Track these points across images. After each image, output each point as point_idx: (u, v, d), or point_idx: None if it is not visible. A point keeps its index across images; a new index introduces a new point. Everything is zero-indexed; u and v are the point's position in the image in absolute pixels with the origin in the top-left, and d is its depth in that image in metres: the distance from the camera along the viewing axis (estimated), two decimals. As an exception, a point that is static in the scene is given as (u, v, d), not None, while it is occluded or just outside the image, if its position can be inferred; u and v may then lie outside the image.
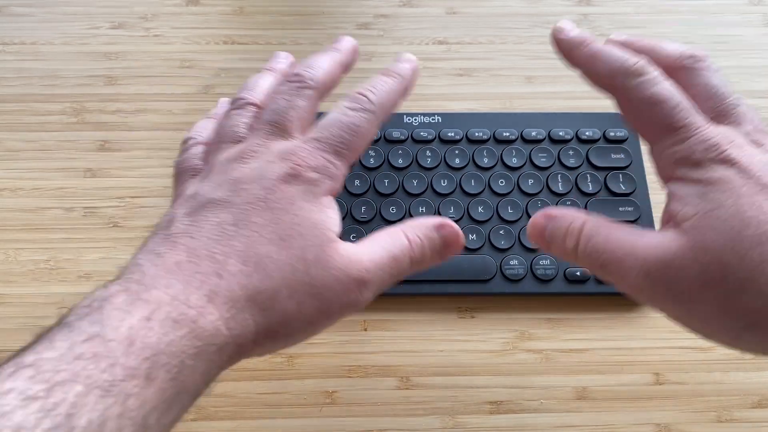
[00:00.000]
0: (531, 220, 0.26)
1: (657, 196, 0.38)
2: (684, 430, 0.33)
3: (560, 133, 0.39)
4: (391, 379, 0.34)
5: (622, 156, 0.38)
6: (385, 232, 0.26)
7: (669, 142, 0.24)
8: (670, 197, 0.24)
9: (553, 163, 0.38)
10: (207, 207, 0.24)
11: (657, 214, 0.38)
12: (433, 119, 0.39)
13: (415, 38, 0.44)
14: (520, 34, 0.44)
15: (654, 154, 0.25)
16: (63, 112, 0.41)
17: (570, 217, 0.25)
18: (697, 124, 0.24)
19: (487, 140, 0.39)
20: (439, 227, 0.26)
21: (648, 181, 0.38)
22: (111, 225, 0.38)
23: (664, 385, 0.34)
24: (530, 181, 0.38)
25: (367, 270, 0.24)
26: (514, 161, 0.38)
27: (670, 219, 0.23)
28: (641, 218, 0.37)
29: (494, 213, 0.37)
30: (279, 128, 0.26)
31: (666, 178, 0.24)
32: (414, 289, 0.35)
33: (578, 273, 0.35)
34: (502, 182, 0.38)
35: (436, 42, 0.44)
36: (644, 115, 0.25)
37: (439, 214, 0.37)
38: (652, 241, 0.23)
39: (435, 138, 0.39)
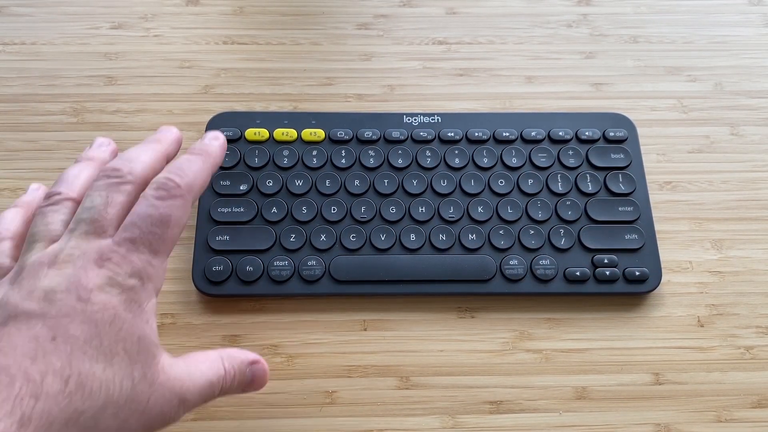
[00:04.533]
0: None
1: (656, 196, 0.39)
2: (683, 430, 0.33)
3: (560, 133, 0.39)
4: (391, 379, 0.34)
5: (622, 156, 0.38)
6: (204, 355, 0.26)
7: None
8: None
9: (553, 163, 0.38)
10: (19, 319, 0.22)
11: (656, 214, 0.38)
12: (432, 119, 0.39)
13: (415, 38, 0.44)
14: (520, 34, 0.44)
15: None
16: (63, 112, 0.41)
17: None
18: None
19: (487, 140, 0.39)
20: (253, 363, 0.28)
21: (647, 181, 0.38)
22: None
23: (663, 385, 0.34)
24: (530, 181, 0.38)
25: (188, 390, 0.25)
26: (513, 161, 0.38)
27: None
28: (641, 218, 0.37)
29: (494, 213, 0.37)
30: (95, 227, 0.24)
31: None
32: (414, 288, 0.35)
33: (578, 273, 0.35)
34: (501, 182, 0.38)
35: (436, 42, 0.44)
36: None
37: (439, 214, 0.37)
38: None
39: (435, 138, 0.39)
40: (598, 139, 0.39)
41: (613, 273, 0.35)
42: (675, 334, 0.35)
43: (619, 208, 0.37)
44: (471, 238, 0.36)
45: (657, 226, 0.37)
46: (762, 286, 0.36)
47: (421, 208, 0.37)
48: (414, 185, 0.37)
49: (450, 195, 0.37)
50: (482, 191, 0.37)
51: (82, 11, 0.44)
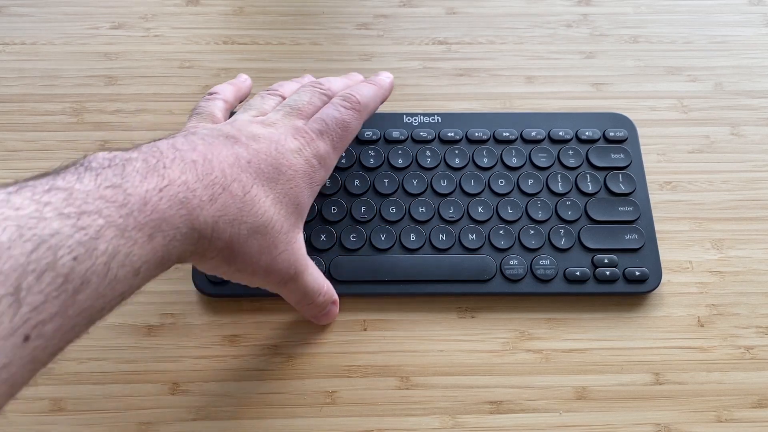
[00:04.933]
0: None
1: (657, 196, 0.39)
2: (684, 430, 0.33)
3: (560, 133, 0.39)
4: (391, 379, 0.34)
5: (622, 156, 0.38)
6: (319, 272, 0.32)
7: None
8: None
9: (553, 163, 0.38)
10: (228, 138, 0.27)
11: (656, 214, 0.38)
12: (432, 119, 0.39)
13: (415, 38, 0.44)
14: (520, 34, 0.44)
15: None
16: (63, 112, 0.41)
17: None
18: None
19: (487, 140, 0.39)
20: (334, 302, 0.34)
21: (647, 181, 0.38)
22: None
23: (663, 385, 0.34)
24: (530, 181, 0.38)
25: (303, 274, 0.30)
26: (513, 161, 0.38)
27: None
28: (641, 218, 0.37)
29: (494, 213, 0.37)
30: (297, 112, 0.31)
31: None
32: (414, 288, 0.35)
33: (578, 273, 0.35)
34: (501, 182, 0.38)
35: (436, 42, 0.44)
36: None
37: (439, 214, 0.37)
38: None
39: (435, 138, 0.39)
40: (598, 139, 0.39)
41: (613, 273, 0.35)
42: (675, 334, 0.35)
43: (619, 208, 0.37)
44: (471, 238, 0.36)
45: (657, 226, 0.37)
46: (762, 286, 0.36)
47: (421, 208, 0.37)
48: (414, 185, 0.37)
49: (450, 195, 0.37)
50: (482, 191, 0.37)
51: (82, 11, 0.44)
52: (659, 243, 0.37)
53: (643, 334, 0.35)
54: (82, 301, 0.19)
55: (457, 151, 0.38)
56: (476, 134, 0.39)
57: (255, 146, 0.28)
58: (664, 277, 0.36)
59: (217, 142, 0.27)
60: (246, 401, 0.33)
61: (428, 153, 0.38)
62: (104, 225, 0.20)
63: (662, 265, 0.36)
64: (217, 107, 0.32)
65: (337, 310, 0.34)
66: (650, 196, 0.38)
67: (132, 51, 0.43)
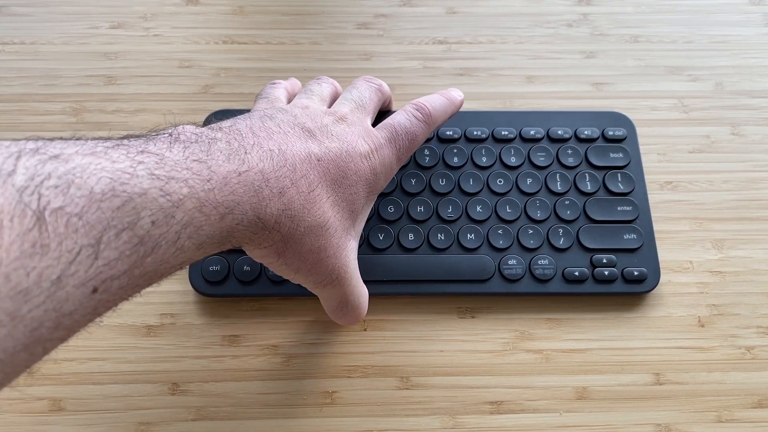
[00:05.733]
0: None
1: (657, 195, 0.38)
2: (684, 430, 0.33)
3: (559, 132, 0.39)
4: (391, 379, 0.34)
5: (621, 155, 0.38)
6: (362, 286, 0.32)
7: None
8: None
9: (552, 162, 0.38)
10: (304, 131, 0.28)
11: (655, 213, 0.38)
12: (432, 119, 0.39)
13: (415, 38, 0.44)
14: (521, 33, 0.44)
15: None
16: (63, 112, 0.41)
17: None
18: None
19: (486, 139, 0.39)
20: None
21: (646, 180, 0.38)
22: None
23: (664, 385, 0.34)
24: (529, 181, 0.38)
25: (347, 286, 0.29)
26: (512, 160, 0.38)
27: None
28: (639, 218, 0.37)
29: (493, 212, 0.37)
30: (362, 108, 0.31)
31: None
32: (412, 288, 0.35)
33: (576, 273, 0.35)
34: (500, 181, 0.38)
35: (436, 42, 0.44)
36: None
37: (438, 213, 0.37)
38: None
39: (433, 137, 0.39)
40: (597, 138, 0.39)
41: (612, 273, 0.35)
42: (675, 334, 0.35)
43: (618, 208, 0.37)
44: (469, 238, 0.36)
45: (658, 226, 0.37)
46: (763, 286, 0.36)
47: (420, 207, 0.37)
48: (412, 184, 0.37)
49: (448, 194, 0.37)
50: (481, 190, 0.37)
51: (82, 11, 0.44)
52: (660, 243, 0.37)
53: (644, 334, 0.35)
54: (148, 264, 0.20)
55: (455, 150, 0.38)
56: (475, 133, 0.39)
57: (328, 144, 0.28)
58: (665, 277, 0.36)
59: (292, 133, 0.27)
60: (246, 401, 0.33)
61: (426, 152, 0.38)
62: (187, 195, 0.21)
63: (663, 265, 0.36)
64: (282, 94, 0.33)
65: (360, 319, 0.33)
66: (651, 196, 0.38)
67: (131, 51, 0.43)
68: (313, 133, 0.28)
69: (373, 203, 0.30)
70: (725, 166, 0.40)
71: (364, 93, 0.32)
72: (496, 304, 0.36)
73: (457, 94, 0.35)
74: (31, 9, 0.44)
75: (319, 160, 0.27)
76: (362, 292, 0.31)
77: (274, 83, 0.34)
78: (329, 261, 0.28)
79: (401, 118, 0.31)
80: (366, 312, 0.32)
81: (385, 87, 0.34)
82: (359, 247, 0.36)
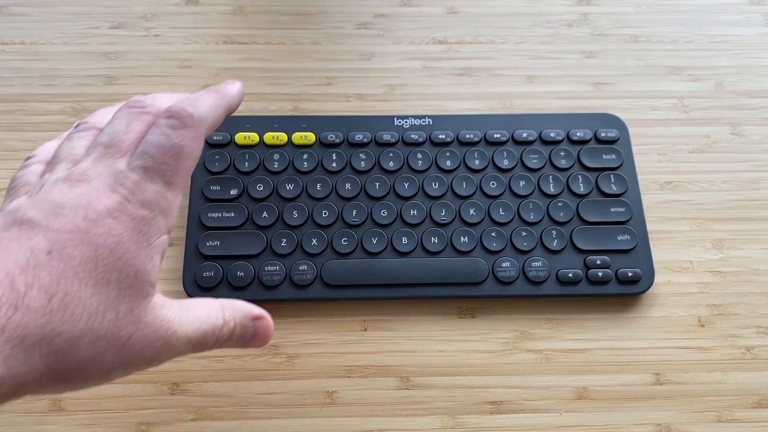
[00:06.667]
0: None
1: (649, 196, 0.39)
2: (684, 430, 0.33)
3: (551, 134, 0.39)
4: (391, 379, 0.34)
5: (614, 156, 0.38)
6: (204, 303, 0.25)
7: None
8: None
9: (545, 165, 0.38)
10: (22, 227, 0.22)
11: (655, 213, 0.38)
12: (424, 121, 0.39)
13: (415, 38, 0.44)
14: (521, 33, 0.44)
15: None
16: (63, 112, 0.41)
17: None
18: None
19: (478, 142, 0.39)
20: (257, 318, 0.26)
21: (639, 181, 0.38)
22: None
23: (664, 385, 0.34)
24: (522, 183, 0.37)
25: (175, 334, 0.24)
26: (505, 163, 0.38)
27: None
28: (633, 218, 0.37)
29: (486, 215, 0.37)
30: (112, 150, 0.24)
31: None
32: (406, 292, 0.35)
33: (570, 274, 0.35)
34: (493, 184, 0.37)
35: (436, 42, 0.44)
36: None
37: (431, 217, 0.36)
38: None
39: (426, 140, 0.39)
40: (590, 140, 0.39)
41: (606, 274, 0.35)
42: (676, 334, 0.35)
43: (611, 209, 0.37)
44: (463, 241, 0.36)
45: (658, 226, 0.37)
46: (763, 286, 0.36)
47: (413, 210, 0.37)
48: (405, 188, 0.37)
49: (442, 197, 0.37)
50: (474, 193, 0.37)
51: (82, 11, 0.44)
52: (660, 243, 0.37)
53: (643, 334, 0.35)
54: None
55: (448, 153, 0.38)
56: (467, 136, 0.39)
57: (56, 225, 0.22)
58: (666, 277, 0.36)
59: (5, 238, 0.21)
60: (246, 401, 0.33)
61: (419, 155, 0.38)
62: None
63: (663, 265, 0.36)
64: (32, 174, 0.26)
65: (269, 323, 0.27)
66: (651, 196, 0.38)
67: (132, 50, 0.43)
68: (33, 223, 0.22)
69: (167, 243, 0.25)
70: (725, 166, 0.40)
71: (117, 127, 0.25)
72: (495, 304, 0.36)
73: (232, 86, 0.29)
74: (30, 9, 0.44)
75: (49, 254, 0.21)
76: (213, 314, 0.25)
77: (26, 161, 0.27)
78: (134, 340, 0.22)
79: (153, 136, 0.25)
80: (253, 313, 0.27)
81: (149, 102, 0.26)
82: (353, 251, 0.35)
